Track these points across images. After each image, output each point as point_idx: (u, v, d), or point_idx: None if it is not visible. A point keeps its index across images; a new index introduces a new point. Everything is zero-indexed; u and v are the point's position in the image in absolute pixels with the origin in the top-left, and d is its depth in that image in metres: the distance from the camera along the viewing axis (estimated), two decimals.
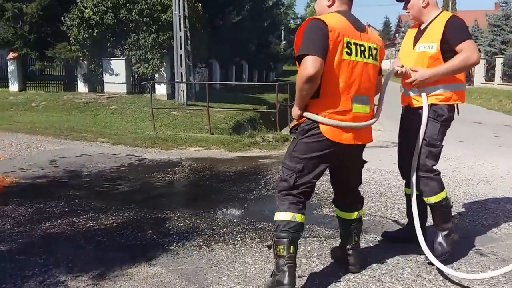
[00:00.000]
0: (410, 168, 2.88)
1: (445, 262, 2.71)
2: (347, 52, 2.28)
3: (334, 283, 2.63)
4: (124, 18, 14.00)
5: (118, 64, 14.50)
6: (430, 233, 3.01)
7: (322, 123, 2.33)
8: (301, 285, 2.60)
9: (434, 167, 2.86)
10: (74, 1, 14.23)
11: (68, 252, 3.12)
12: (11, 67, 16.15)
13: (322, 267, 2.85)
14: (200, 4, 14.47)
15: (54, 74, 18.06)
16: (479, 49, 27.47)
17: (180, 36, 12.94)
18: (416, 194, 2.86)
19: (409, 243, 2.91)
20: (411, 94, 2.91)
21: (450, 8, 31.60)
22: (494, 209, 4.07)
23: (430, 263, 2.72)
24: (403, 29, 44.13)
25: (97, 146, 7.43)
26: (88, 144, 7.66)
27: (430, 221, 3.08)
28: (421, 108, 2.82)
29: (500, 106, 15.72)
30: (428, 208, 2.97)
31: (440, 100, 2.83)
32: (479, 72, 24.08)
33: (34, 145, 7.40)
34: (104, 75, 14.69)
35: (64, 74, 17.22)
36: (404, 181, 3.21)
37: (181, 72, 13.03)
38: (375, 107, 2.70)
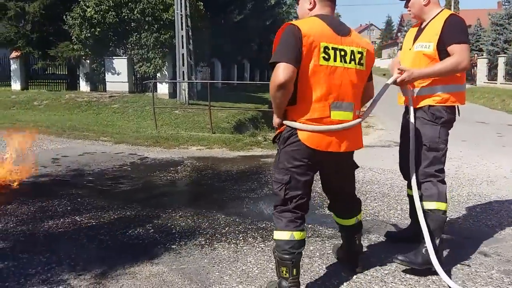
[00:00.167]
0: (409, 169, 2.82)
1: (448, 264, 2.68)
2: (324, 57, 2.20)
3: (336, 283, 2.63)
4: (126, 17, 14.00)
5: (120, 63, 14.50)
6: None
7: (299, 129, 2.26)
8: (304, 285, 2.59)
9: (438, 173, 2.77)
10: (76, 0, 14.23)
11: (70, 251, 3.13)
12: (13, 66, 16.18)
13: (324, 267, 2.85)
14: (202, 3, 14.46)
15: (57, 73, 18.10)
16: (481, 48, 27.50)
17: (182, 35, 12.93)
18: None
19: (412, 243, 2.89)
20: (412, 95, 2.86)
21: (452, 7, 31.49)
22: (497, 210, 4.05)
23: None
24: (405, 28, 44.07)
25: (99, 145, 7.44)
26: (90, 143, 7.67)
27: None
28: (418, 109, 2.79)
29: (503, 105, 15.67)
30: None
31: (437, 102, 2.76)
32: (481, 71, 24.02)
33: (36, 143, 7.40)
34: (106, 74, 14.69)
35: (66, 73, 17.25)
36: (407, 182, 3.17)
37: (183, 71, 13.02)
38: (367, 110, 2.65)
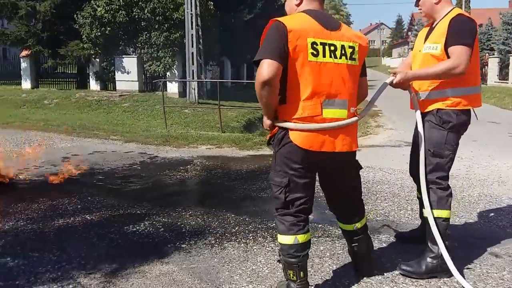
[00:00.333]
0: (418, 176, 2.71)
1: (459, 265, 2.64)
2: (312, 53, 2.11)
3: (347, 283, 2.60)
4: (136, 16, 14.08)
5: (130, 62, 14.59)
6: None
7: (290, 129, 2.17)
8: (314, 285, 2.58)
9: (439, 180, 2.65)
10: (87, 0, 14.34)
11: (81, 249, 3.14)
12: (23, 65, 16.36)
13: (335, 267, 2.83)
14: (212, 3, 14.50)
15: (67, 72, 18.28)
16: (492, 48, 27.11)
17: (192, 35, 12.97)
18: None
19: (422, 244, 2.85)
20: (418, 98, 2.73)
21: (463, 6, 31.13)
22: (509, 210, 3.99)
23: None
24: (415, 27, 43.65)
25: (109, 144, 7.48)
26: (101, 141, 7.71)
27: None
28: (427, 113, 2.69)
29: None
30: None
31: (447, 105, 2.63)
32: (492, 70, 23.71)
33: (46, 142, 7.46)
34: (116, 73, 14.79)
35: (76, 72, 17.40)
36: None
37: (193, 70, 13.06)
38: (365, 108, 2.54)
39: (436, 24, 2.72)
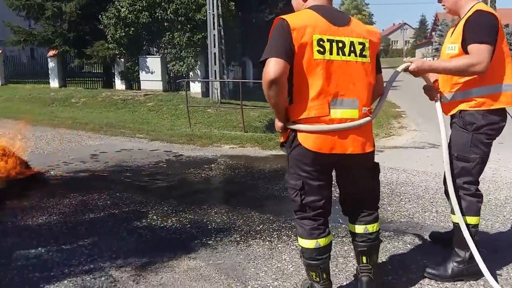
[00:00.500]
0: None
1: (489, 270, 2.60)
2: (318, 50, 2.02)
3: None
4: (159, 17, 14.29)
5: (154, 62, 14.83)
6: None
7: (299, 131, 2.10)
8: (339, 285, 2.61)
9: (467, 185, 2.54)
10: (111, 0, 14.63)
11: (111, 243, 3.26)
12: (51, 64, 16.83)
13: None
14: (234, 3, 14.59)
15: (93, 71, 18.70)
16: None
17: (214, 35, 13.10)
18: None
19: (449, 247, 2.84)
20: (443, 101, 2.61)
21: (489, 5, 30.35)
22: None
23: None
24: (439, 27, 42.68)
25: (135, 142, 7.66)
26: (127, 139, 7.90)
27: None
28: (453, 116, 2.59)
29: None
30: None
31: (470, 106, 2.49)
32: None
33: (75, 140, 7.71)
34: (140, 72, 15.06)
35: (102, 71, 17.78)
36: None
37: (215, 70, 13.19)
38: (377, 105, 2.37)
39: (458, 22, 2.58)
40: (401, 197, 4.42)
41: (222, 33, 13.46)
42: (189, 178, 5.26)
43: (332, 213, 2.35)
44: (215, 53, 13.14)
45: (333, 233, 3.17)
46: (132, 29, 14.32)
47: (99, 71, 18.27)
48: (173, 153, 6.72)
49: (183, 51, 14.36)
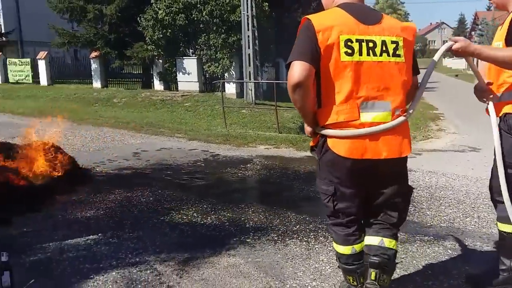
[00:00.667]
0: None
1: None
2: (346, 52, 1.91)
3: None
4: (195, 18, 14.55)
5: (190, 63, 15.14)
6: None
7: (328, 136, 2.02)
8: None
9: None
10: (149, 2, 15.04)
11: (155, 238, 3.41)
12: (94, 66, 17.51)
13: (399, 272, 2.82)
14: (267, 4, 14.65)
15: (132, 72, 19.29)
16: None
17: (248, 36, 13.21)
18: None
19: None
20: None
21: None
22: None
23: None
24: (479, 26, 41.01)
25: (174, 141, 7.88)
26: (166, 139, 8.14)
27: None
28: (500, 119, 2.40)
29: None
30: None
31: None
32: None
33: (118, 138, 8.03)
34: (177, 74, 15.41)
35: (141, 72, 18.32)
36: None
37: (249, 72, 13.32)
38: (412, 102, 2.18)
39: (505, 19, 2.40)
40: (441, 201, 4.36)
41: (256, 34, 13.56)
42: (226, 177, 5.39)
43: None
44: (249, 54, 13.27)
45: None
46: (169, 30, 14.66)
47: (139, 72, 18.83)
48: (210, 152, 6.89)
49: (218, 53, 14.57)
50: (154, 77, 16.36)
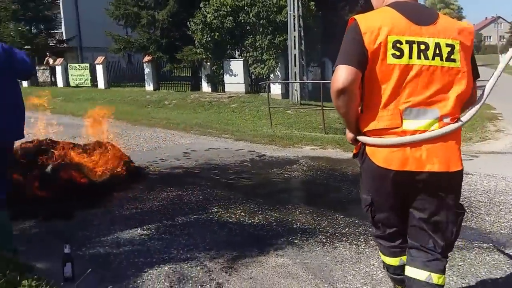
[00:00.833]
0: None
1: None
2: (393, 54, 1.78)
3: None
4: (242, 21, 14.72)
5: (236, 65, 15.35)
6: None
7: (367, 144, 1.90)
8: None
9: None
10: (198, 7, 15.40)
11: (205, 236, 3.51)
12: (146, 70, 18.20)
13: (455, 278, 2.73)
14: (314, 3, 14.53)
15: (181, 75, 19.85)
16: None
17: (294, 36, 13.18)
18: None
19: None
20: None
21: None
22: None
23: None
24: None
25: (221, 142, 8.04)
26: (214, 139, 8.33)
27: None
28: None
29: None
30: None
31: None
32: None
33: (169, 138, 8.31)
34: (224, 76, 15.68)
35: (190, 75, 18.83)
36: None
37: (295, 72, 13.27)
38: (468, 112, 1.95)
39: None
40: (501, 206, 4.14)
41: (302, 34, 13.50)
42: (272, 178, 5.43)
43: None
44: (295, 55, 13.23)
45: None
46: (217, 33, 14.94)
47: (187, 75, 19.35)
48: (256, 153, 6.95)
49: (264, 54, 14.66)
50: (202, 79, 16.73)
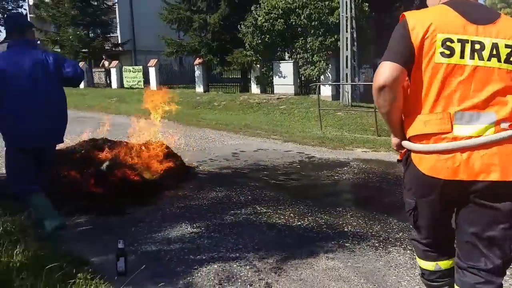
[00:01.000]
0: None
1: None
2: (443, 53, 1.66)
3: None
4: (293, 23, 14.69)
5: (286, 67, 15.32)
6: None
7: (412, 150, 1.77)
8: None
9: None
10: (249, 10, 15.56)
11: (254, 236, 3.49)
12: (197, 72, 18.64)
13: None
14: (367, 4, 14.19)
15: (230, 77, 20.16)
16: None
17: (347, 38, 12.95)
18: None
19: None
20: None
21: None
22: None
23: None
24: None
25: (270, 143, 8.03)
26: (263, 140, 8.33)
27: None
28: None
29: None
30: None
31: None
32: None
33: (218, 139, 8.43)
34: (274, 77, 15.70)
35: (239, 77, 19.06)
36: None
37: (346, 73, 13.02)
38: None
39: None
40: None
41: (355, 35, 13.23)
42: (322, 180, 5.32)
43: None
44: (347, 56, 12.99)
45: None
46: (268, 36, 15.01)
47: (237, 77, 19.60)
48: (305, 154, 6.86)
49: (315, 55, 14.52)
50: (251, 81, 16.87)
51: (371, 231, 3.57)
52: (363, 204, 4.37)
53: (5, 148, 3.35)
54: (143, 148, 5.25)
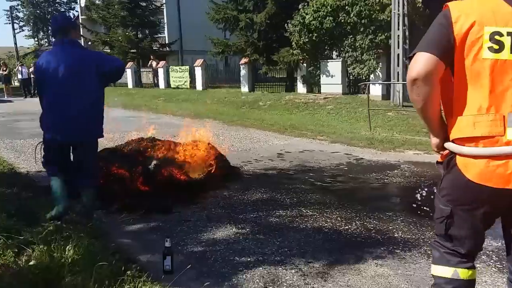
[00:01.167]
0: None
1: None
2: (490, 48, 1.53)
3: None
4: (342, 21, 14.39)
5: (334, 66, 15.03)
6: None
7: (459, 154, 1.62)
8: None
9: None
10: (297, 8, 15.41)
11: (300, 239, 3.42)
12: (243, 72, 18.76)
13: None
14: (421, 0, 13.61)
15: (276, 76, 20.10)
16: None
17: (398, 35, 12.50)
18: None
19: None
20: None
21: None
22: None
23: None
24: None
25: (316, 144, 7.89)
26: (309, 141, 8.20)
27: None
28: None
29: None
30: None
31: None
32: None
33: (263, 139, 8.40)
34: (321, 76, 15.46)
35: (285, 76, 18.97)
36: None
37: (398, 72, 12.55)
38: None
39: None
40: None
41: (407, 33, 12.73)
42: (371, 183, 5.14)
43: None
44: (398, 54, 12.53)
45: None
46: (315, 34, 14.81)
47: (283, 76, 19.51)
48: (353, 156, 6.67)
49: (364, 54, 14.15)
50: (297, 80, 16.73)
51: (423, 237, 3.40)
52: (415, 209, 4.16)
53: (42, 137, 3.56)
54: (189, 147, 5.32)
